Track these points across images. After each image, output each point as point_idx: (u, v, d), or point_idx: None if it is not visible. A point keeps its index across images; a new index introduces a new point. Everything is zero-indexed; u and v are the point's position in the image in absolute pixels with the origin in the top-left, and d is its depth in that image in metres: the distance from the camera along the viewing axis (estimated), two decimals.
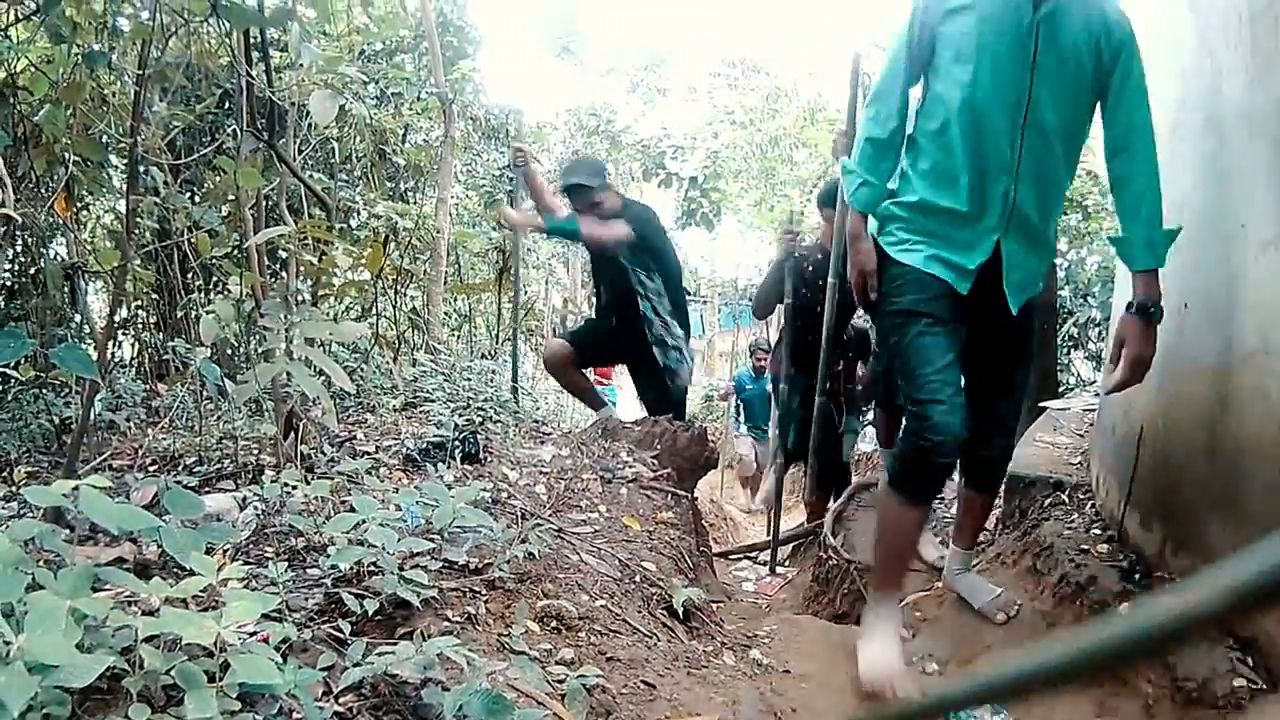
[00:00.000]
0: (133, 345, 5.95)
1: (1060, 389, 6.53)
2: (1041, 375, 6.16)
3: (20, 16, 3.46)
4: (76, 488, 1.82)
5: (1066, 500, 4.04)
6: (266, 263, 3.94)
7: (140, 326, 5.78)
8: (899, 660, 3.10)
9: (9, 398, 4.35)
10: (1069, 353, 8.74)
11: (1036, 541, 3.75)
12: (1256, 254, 2.70)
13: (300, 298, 4.74)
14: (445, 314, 8.34)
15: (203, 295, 5.48)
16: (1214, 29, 3.04)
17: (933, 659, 3.47)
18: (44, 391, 4.36)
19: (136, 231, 4.09)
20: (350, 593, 2.26)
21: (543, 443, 5.00)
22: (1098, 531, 3.65)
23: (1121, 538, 3.47)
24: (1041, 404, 5.62)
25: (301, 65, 4.18)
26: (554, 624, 2.57)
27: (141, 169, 3.85)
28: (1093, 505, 3.90)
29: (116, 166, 5.16)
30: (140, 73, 3.42)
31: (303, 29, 3.48)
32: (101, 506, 1.80)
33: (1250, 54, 2.81)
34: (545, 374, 7.00)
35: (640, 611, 2.99)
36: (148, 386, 4.96)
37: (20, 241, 4.52)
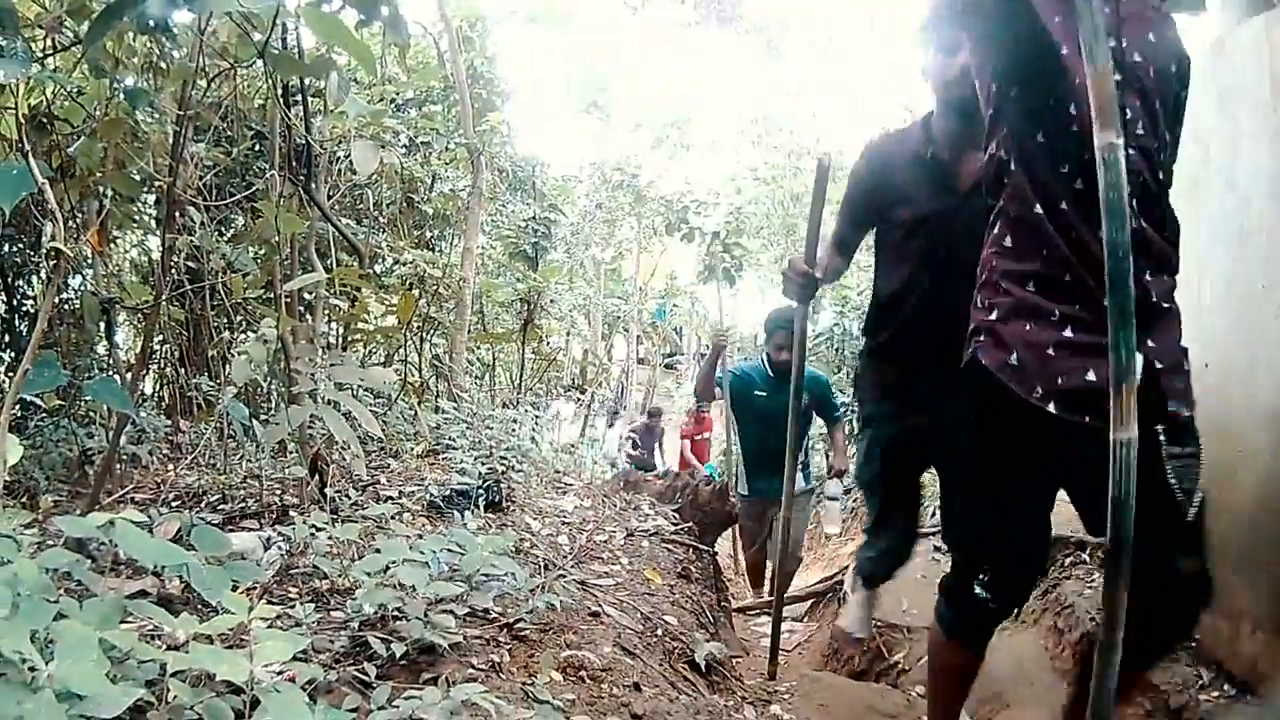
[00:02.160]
0: (155, 380, 5.97)
1: None
2: None
3: (60, 46, 3.50)
4: (112, 521, 1.81)
5: (1088, 559, 4.00)
6: (296, 306, 3.96)
7: (163, 362, 5.81)
8: None
9: (32, 426, 4.36)
10: None
11: (1058, 600, 3.72)
12: (1276, 314, 2.70)
13: (326, 341, 4.76)
14: (469, 362, 8.35)
15: (229, 334, 5.51)
16: (1234, 90, 3.05)
17: None
18: (67, 421, 4.36)
19: (169, 269, 4.12)
20: (376, 636, 2.25)
21: (564, 493, 4.99)
22: None
23: None
24: None
25: (334, 111, 4.24)
26: (577, 675, 2.54)
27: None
28: None
29: (148, 202, 5.21)
30: (180, 113, 3.47)
31: (341, 78, 3.52)
32: (137, 540, 1.80)
33: (1272, 115, 2.83)
34: (568, 423, 6.96)
35: (662, 664, 2.96)
36: (170, 422, 4.97)
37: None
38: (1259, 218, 2.88)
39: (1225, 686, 2.78)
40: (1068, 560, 4.01)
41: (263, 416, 4.62)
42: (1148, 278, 2.17)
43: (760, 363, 6.28)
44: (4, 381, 4.33)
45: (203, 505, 3.71)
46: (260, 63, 3.19)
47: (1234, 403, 2.94)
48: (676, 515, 4.79)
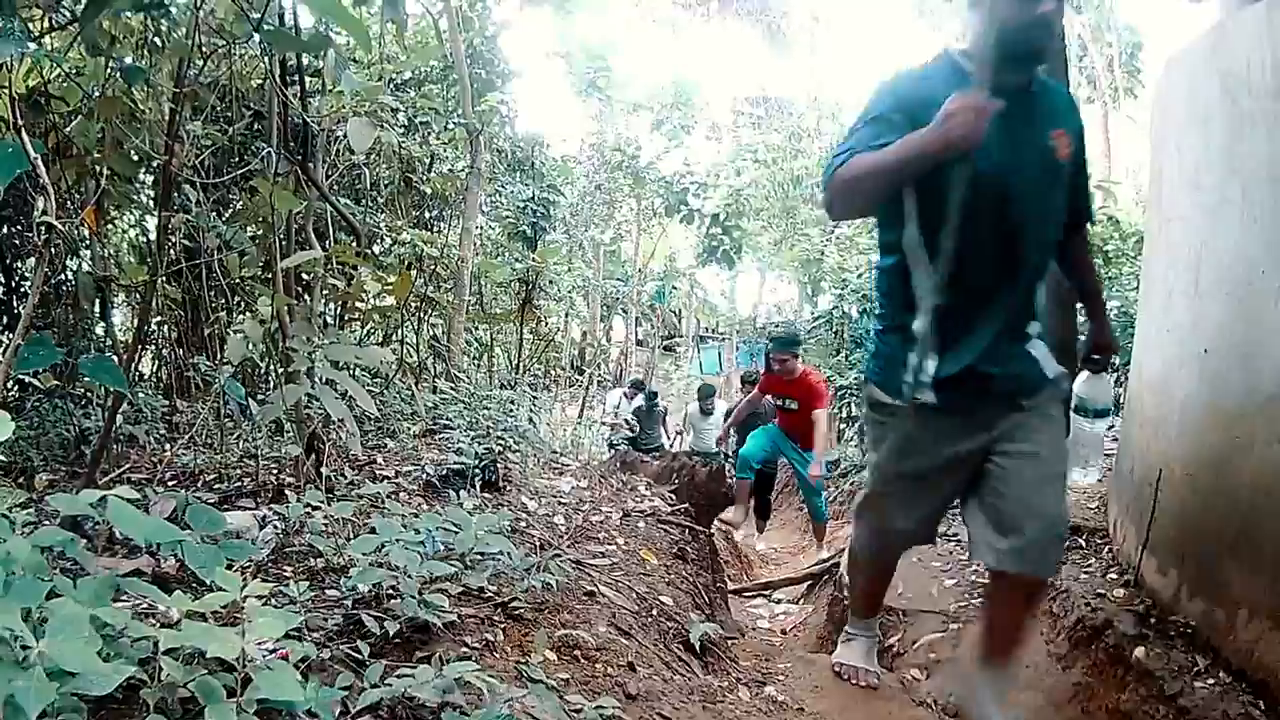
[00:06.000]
0: (153, 360, 5.97)
1: None
2: None
3: (56, 25, 3.49)
4: (104, 498, 1.81)
5: (1083, 544, 4.01)
6: (293, 285, 3.96)
7: (161, 342, 5.81)
8: None
9: (28, 406, 4.36)
10: None
11: (1052, 585, 3.72)
12: (1276, 300, 2.70)
13: (324, 321, 4.75)
14: (466, 343, 8.35)
15: (226, 314, 5.50)
16: (1235, 75, 3.04)
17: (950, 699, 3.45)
18: (64, 401, 4.36)
19: (166, 248, 4.11)
20: (370, 614, 2.25)
21: (561, 474, 5.00)
22: (1114, 576, 3.63)
23: (1138, 582, 3.44)
24: None
25: (332, 90, 4.22)
26: (571, 654, 2.55)
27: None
28: (1109, 550, 3.88)
29: (145, 182, 5.19)
30: (177, 91, 3.45)
31: (339, 56, 3.50)
32: (130, 517, 1.80)
33: (1273, 100, 2.82)
34: (565, 404, 6.97)
35: (657, 645, 2.96)
36: (167, 402, 4.97)
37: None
38: (1260, 203, 2.88)
39: (1221, 674, 2.78)
40: (1063, 545, 4.03)
41: (259, 396, 4.63)
42: None
43: (951, 65, 2.61)
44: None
45: (199, 484, 3.72)
46: (257, 40, 3.18)
47: (1233, 388, 2.94)
48: (673, 496, 4.80)
